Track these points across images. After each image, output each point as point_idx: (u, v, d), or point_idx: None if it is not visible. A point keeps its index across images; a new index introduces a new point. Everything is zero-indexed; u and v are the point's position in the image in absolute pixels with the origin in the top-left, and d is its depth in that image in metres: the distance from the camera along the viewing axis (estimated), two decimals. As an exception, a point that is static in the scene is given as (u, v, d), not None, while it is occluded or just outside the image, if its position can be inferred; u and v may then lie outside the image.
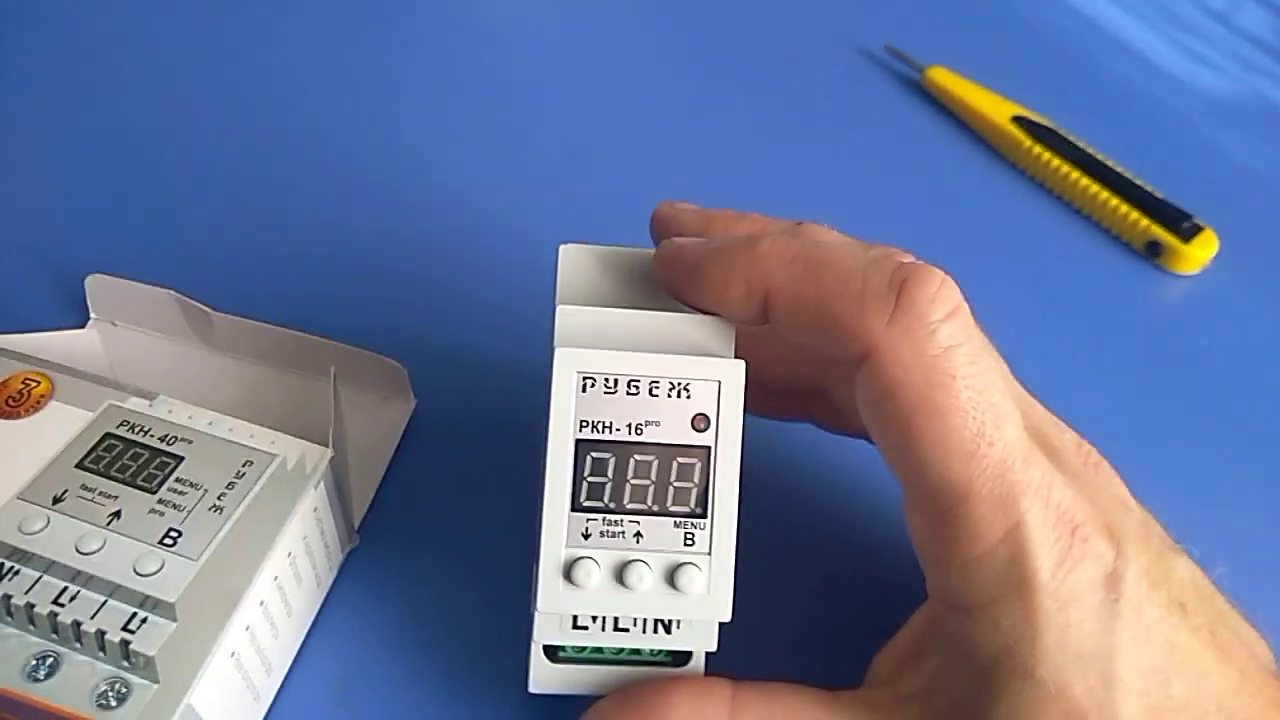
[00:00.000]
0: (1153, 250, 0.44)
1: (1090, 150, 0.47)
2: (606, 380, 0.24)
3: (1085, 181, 0.45)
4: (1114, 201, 0.45)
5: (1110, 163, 0.46)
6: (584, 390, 0.24)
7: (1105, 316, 0.42)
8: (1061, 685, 0.21)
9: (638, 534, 0.24)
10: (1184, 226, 0.44)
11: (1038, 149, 0.47)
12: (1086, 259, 0.45)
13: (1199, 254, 0.44)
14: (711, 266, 0.24)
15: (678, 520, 0.24)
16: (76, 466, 0.27)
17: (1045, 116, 0.48)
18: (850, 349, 0.23)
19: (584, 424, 0.24)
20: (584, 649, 0.26)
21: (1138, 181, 0.45)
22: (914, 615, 0.27)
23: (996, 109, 0.49)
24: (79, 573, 0.25)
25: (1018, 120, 0.48)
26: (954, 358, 0.22)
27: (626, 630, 0.25)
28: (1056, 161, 0.46)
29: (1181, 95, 0.54)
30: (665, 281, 0.26)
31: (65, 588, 0.25)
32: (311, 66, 0.49)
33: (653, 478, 0.24)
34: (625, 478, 0.24)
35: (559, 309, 0.25)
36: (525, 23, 0.54)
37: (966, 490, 0.22)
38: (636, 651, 0.26)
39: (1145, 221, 0.44)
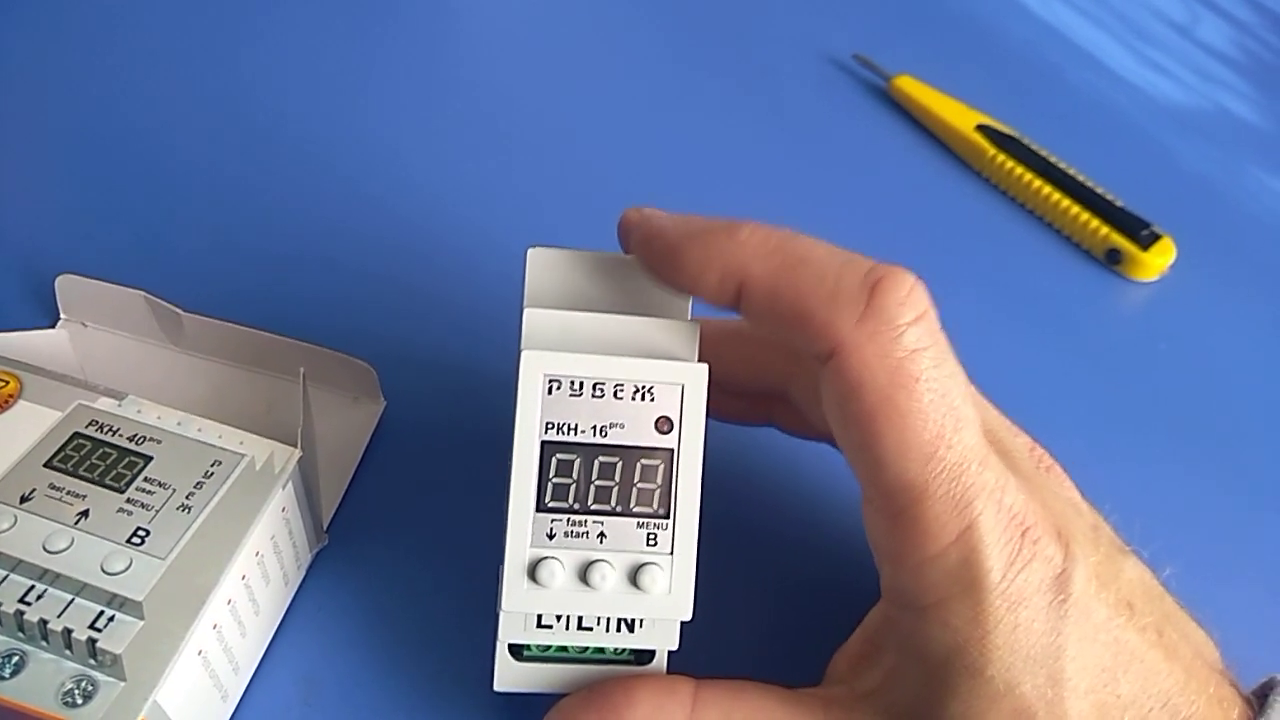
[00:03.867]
0: (1112, 258, 0.45)
1: (1052, 159, 0.47)
2: (572, 383, 0.25)
3: (1047, 190, 0.46)
4: (1075, 209, 0.46)
5: (1072, 171, 0.47)
6: (550, 392, 0.25)
7: (1065, 322, 0.43)
8: (1011, 684, 0.22)
9: (601, 534, 0.25)
10: (1143, 234, 0.45)
11: (1001, 157, 0.48)
12: (1047, 266, 0.45)
13: (1157, 261, 0.44)
14: (690, 249, 0.24)
15: (641, 521, 0.25)
16: (45, 465, 0.27)
17: (1009, 125, 0.49)
18: (818, 345, 0.23)
19: (549, 425, 0.25)
20: (548, 648, 0.26)
21: (1098, 190, 0.46)
22: (868, 614, 0.27)
23: (962, 117, 0.49)
24: (46, 571, 0.25)
25: (982, 129, 0.49)
26: (919, 361, 0.22)
27: (590, 629, 0.25)
28: (1020, 170, 0.47)
29: (1142, 105, 0.55)
30: (641, 258, 0.26)
31: (32, 586, 0.25)
32: (284, 67, 0.49)
33: (617, 479, 0.25)
34: (590, 479, 0.25)
35: (526, 312, 0.26)
36: (500, 26, 0.54)
37: (923, 491, 0.22)
38: (600, 650, 0.26)
39: (1105, 229, 0.45)
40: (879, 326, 0.22)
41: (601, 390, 0.25)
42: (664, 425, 0.25)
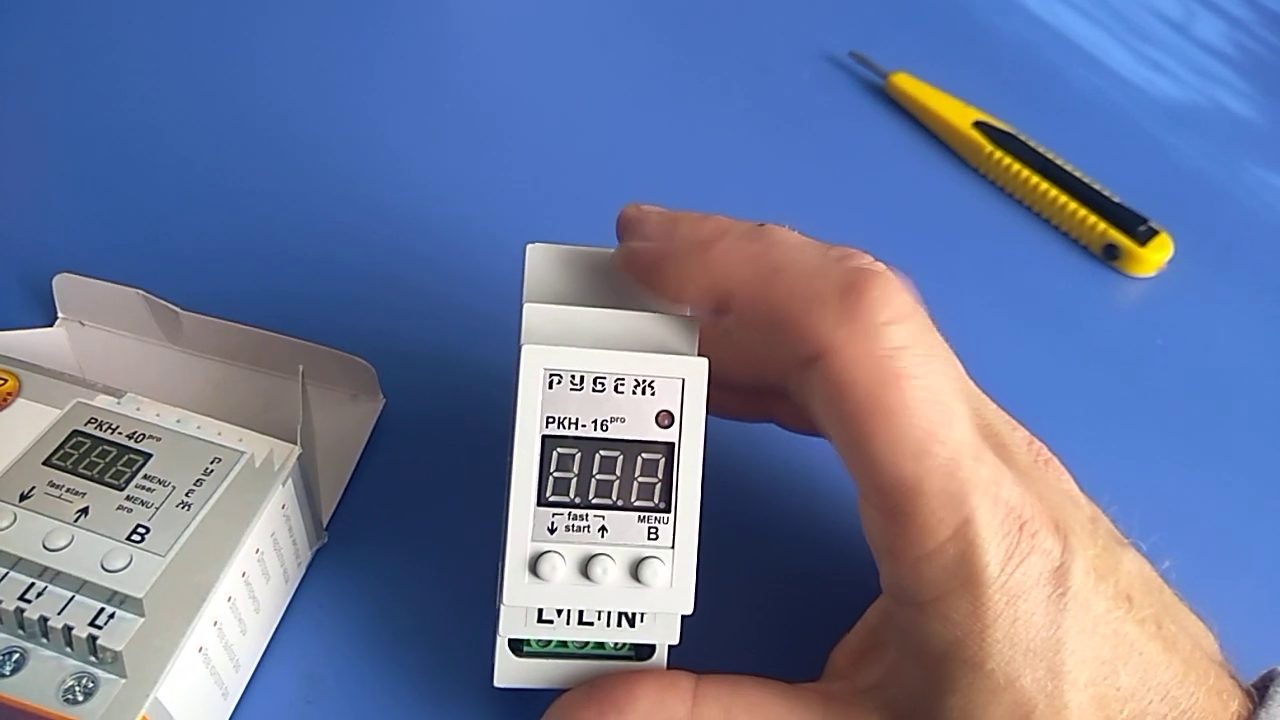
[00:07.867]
0: (1110, 253, 0.45)
1: (1050, 155, 0.47)
2: (573, 377, 0.25)
3: (1044, 186, 0.46)
4: (1072, 205, 0.46)
5: (1069, 167, 0.47)
6: (550, 387, 0.25)
7: (1063, 318, 0.43)
8: (1011, 677, 0.22)
9: (602, 528, 0.25)
10: (1140, 230, 0.45)
11: (999, 154, 0.48)
12: (1045, 262, 0.45)
13: (1155, 257, 0.45)
14: (668, 269, 0.25)
15: (642, 515, 0.25)
16: (44, 463, 0.27)
17: (1006, 122, 0.49)
18: (802, 350, 0.23)
19: (550, 420, 0.25)
20: (549, 643, 0.26)
21: (1095, 186, 0.46)
22: (868, 610, 0.27)
23: (959, 114, 0.49)
24: (46, 569, 0.25)
25: (979, 125, 0.49)
26: (904, 358, 0.22)
27: (591, 623, 0.25)
28: (1017, 166, 0.47)
29: (1139, 102, 0.55)
30: (627, 275, 0.26)
31: (32, 584, 0.25)
32: (281, 65, 0.49)
33: (617, 473, 0.25)
34: (590, 473, 0.25)
35: (526, 307, 0.26)
36: (498, 24, 0.54)
37: (917, 488, 0.22)
38: (600, 645, 0.26)
39: (1103, 225, 0.45)
40: (860, 326, 0.22)
41: (602, 384, 0.25)
42: (665, 419, 0.25)
